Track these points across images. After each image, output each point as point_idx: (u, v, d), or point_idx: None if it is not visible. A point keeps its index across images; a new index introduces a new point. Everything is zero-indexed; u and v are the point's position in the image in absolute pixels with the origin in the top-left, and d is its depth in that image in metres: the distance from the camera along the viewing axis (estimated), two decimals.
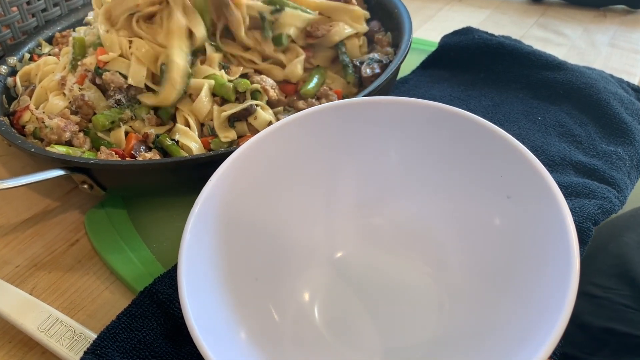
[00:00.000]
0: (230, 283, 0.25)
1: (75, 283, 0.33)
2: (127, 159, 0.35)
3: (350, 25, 0.42)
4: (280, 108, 0.39)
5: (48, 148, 0.35)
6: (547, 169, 0.24)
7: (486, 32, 0.48)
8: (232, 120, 0.37)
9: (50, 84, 0.40)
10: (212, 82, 0.37)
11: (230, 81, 0.38)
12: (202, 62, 0.39)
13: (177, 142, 0.36)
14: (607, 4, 0.61)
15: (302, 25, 0.41)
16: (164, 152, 0.36)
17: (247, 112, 0.36)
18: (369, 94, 0.35)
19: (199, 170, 0.32)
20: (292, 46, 0.41)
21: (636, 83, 0.44)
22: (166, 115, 0.38)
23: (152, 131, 0.36)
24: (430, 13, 0.64)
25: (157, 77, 0.38)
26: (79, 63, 0.39)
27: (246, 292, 0.26)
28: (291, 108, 0.39)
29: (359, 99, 0.29)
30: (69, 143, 0.37)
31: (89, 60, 0.38)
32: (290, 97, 0.40)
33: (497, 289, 0.25)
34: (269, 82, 0.38)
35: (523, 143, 0.25)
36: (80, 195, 0.39)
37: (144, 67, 0.37)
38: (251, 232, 0.28)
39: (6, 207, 0.39)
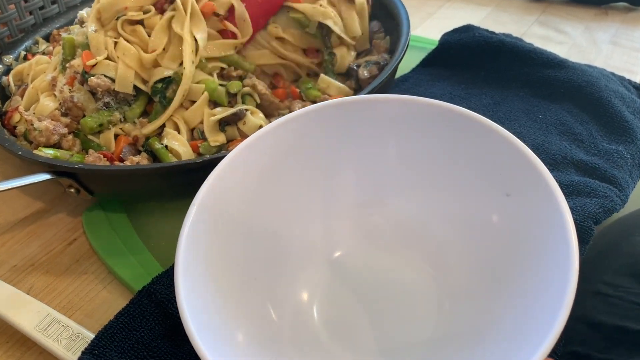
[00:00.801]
0: (228, 282, 0.25)
1: (73, 282, 0.33)
2: (116, 162, 0.35)
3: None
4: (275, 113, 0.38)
5: (35, 151, 0.35)
6: (548, 168, 0.24)
7: (487, 30, 0.47)
8: (223, 124, 0.37)
9: (41, 84, 0.40)
10: (205, 91, 0.36)
11: (222, 85, 0.37)
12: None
13: (167, 146, 0.35)
14: (609, 2, 0.61)
15: None
16: (153, 155, 0.36)
17: (237, 117, 0.36)
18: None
19: (186, 176, 0.32)
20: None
21: (638, 81, 0.44)
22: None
23: (142, 133, 0.36)
24: (431, 10, 0.63)
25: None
26: (67, 65, 0.39)
27: (244, 291, 0.26)
28: (285, 112, 0.39)
29: (358, 96, 0.29)
30: (58, 145, 0.36)
31: (77, 62, 0.38)
32: (282, 102, 0.39)
33: (496, 288, 0.25)
34: (261, 82, 0.38)
35: (523, 141, 0.25)
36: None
37: (132, 71, 0.36)
38: (249, 231, 0.27)
39: (3, 206, 0.39)
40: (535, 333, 0.20)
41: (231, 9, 0.39)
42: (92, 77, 0.36)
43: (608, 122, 0.38)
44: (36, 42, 0.48)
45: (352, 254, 0.29)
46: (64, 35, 0.41)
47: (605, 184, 0.34)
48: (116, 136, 0.37)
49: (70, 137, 0.37)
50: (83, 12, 0.47)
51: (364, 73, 0.39)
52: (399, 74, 0.46)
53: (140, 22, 0.37)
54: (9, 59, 0.45)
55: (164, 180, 0.33)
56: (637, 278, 0.27)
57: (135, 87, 0.37)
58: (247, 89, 0.37)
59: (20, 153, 0.33)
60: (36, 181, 0.32)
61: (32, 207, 0.38)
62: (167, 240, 0.34)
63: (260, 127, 0.35)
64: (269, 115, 0.38)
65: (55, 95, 0.38)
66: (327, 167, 0.29)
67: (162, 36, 0.36)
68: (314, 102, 0.39)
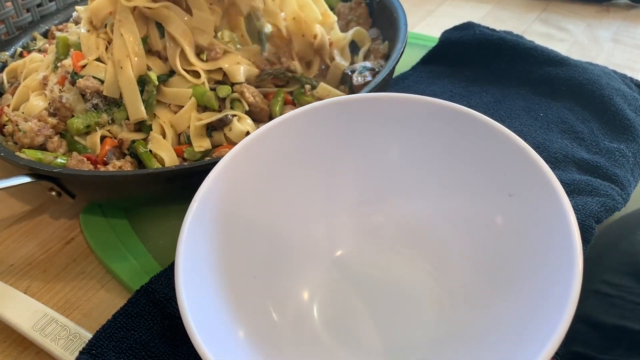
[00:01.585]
0: (229, 281, 0.25)
1: (71, 282, 0.33)
2: (100, 165, 0.35)
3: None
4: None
5: (17, 153, 0.34)
6: (549, 166, 0.24)
7: (487, 28, 0.47)
8: (210, 129, 0.36)
9: (32, 82, 0.39)
10: (192, 95, 0.36)
11: (212, 89, 0.37)
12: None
13: (151, 150, 0.35)
14: None
15: None
16: (138, 159, 0.35)
17: (222, 123, 0.35)
18: None
19: (166, 183, 0.32)
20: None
21: (639, 79, 0.44)
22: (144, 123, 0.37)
23: (128, 137, 0.36)
24: (431, 8, 0.63)
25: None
26: (59, 64, 0.38)
27: (244, 290, 0.26)
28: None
29: (359, 95, 0.29)
30: (43, 147, 0.36)
31: (69, 62, 0.38)
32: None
33: (498, 288, 0.25)
34: (250, 89, 0.37)
35: (525, 140, 0.25)
36: None
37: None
38: (250, 229, 0.27)
39: (0, 205, 0.38)
40: (539, 334, 0.20)
41: None
42: (80, 79, 0.36)
43: (610, 120, 0.38)
44: (34, 39, 0.47)
45: (353, 253, 0.29)
46: (58, 34, 0.40)
47: (607, 182, 0.33)
48: (103, 138, 0.36)
49: (56, 138, 0.36)
50: (81, 8, 0.46)
51: (357, 79, 0.38)
52: (399, 71, 0.46)
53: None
54: (4, 55, 0.45)
55: (144, 187, 0.33)
56: (637, 277, 0.27)
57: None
58: (236, 94, 0.37)
59: (2, 154, 0.33)
60: (15, 184, 0.31)
61: (29, 206, 0.38)
62: (166, 239, 0.34)
63: (248, 133, 0.35)
64: (259, 121, 0.37)
65: (45, 95, 0.38)
66: (328, 165, 0.29)
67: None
68: None
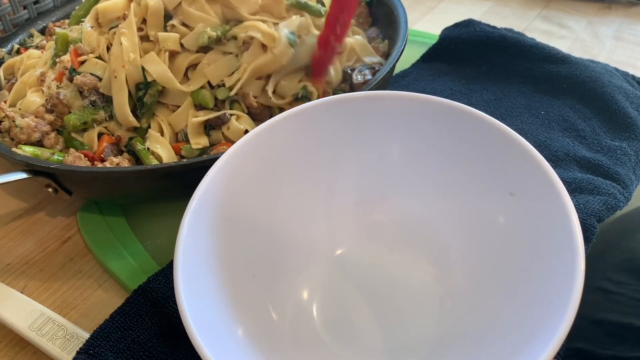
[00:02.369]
0: (228, 280, 0.25)
1: (68, 281, 0.32)
2: (97, 162, 0.34)
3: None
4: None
5: (14, 149, 0.34)
6: (551, 165, 0.24)
7: (488, 25, 0.47)
8: (208, 127, 0.36)
9: (30, 79, 0.39)
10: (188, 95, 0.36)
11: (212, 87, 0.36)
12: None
13: (149, 147, 0.35)
14: None
15: None
16: (136, 156, 0.35)
17: (220, 121, 0.35)
18: None
19: (164, 180, 0.31)
20: None
21: None
22: (144, 119, 0.36)
23: (125, 134, 0.36)
24: (431, 5, 0.63)
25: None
26: (57, 60, 0.38)
27: (244, 289, 0.26)
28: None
29: (359, 93, 0.28)
30: (40, 143, 0.36)
31: (67, 58, 0.37)
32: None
33: (500, 288, 0.25)
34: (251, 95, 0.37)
35: (526, 138, 0.25)
36: None
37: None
38: (249, 228, 0.27)
39: None
40: (541, 334, 0.20)
41: None
42: (77, 76, 0.36)
43: (611, 119, 0.38)
44: (31, 36, 0.47)
45: (354, 252, 0.29)
46: (58, 30, 0.40)
47: (609, 181, 0.33)
48: (101, 135, 0.36)
49: (53, 134, 0.36)
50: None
51: (357, 77, 0.38)
52: (399, 69, 0.46)
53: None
54: (1, 52, 0.45)
55: (142, 183, 0.32)
56: (639, 274, 0.27)
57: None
58: (235, 96, 0.36)
59: None
60: (11, 180, 0.31)
61: (25, 204, 0.38)
62: (164, 238, 0.34)
63: (246, 132, 0.34)
64: (259, 120, 0.37)
65: (43, 91, 0.38)
66: (328, 163, 0.29)
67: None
68: None
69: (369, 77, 0.38)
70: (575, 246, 0.21)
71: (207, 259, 0.25)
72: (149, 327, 0.27)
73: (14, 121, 0.35)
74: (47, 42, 0.45)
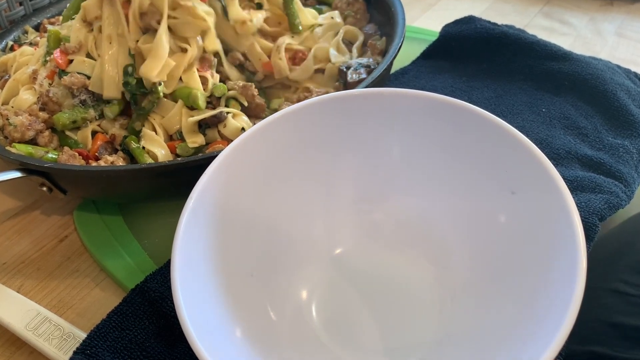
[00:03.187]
0: (226, 280, 0.25)
1: (65, 280, 0.32)
2: (92, 161, 0.34)
3: None
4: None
5: (8, 147, 0.34)
6: (552, 163, 0.24)
7: (489, 21, 0.46)
8: (204, 126, 0.35)
9: (22, 76, 0.39)
10: (179, 98, 0.35)
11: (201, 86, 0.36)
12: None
13: (144, 146, 0.35)
14: None
15: None
16: (130, 155, 0.35)
17: (217, 120, 0.35)
18: None
19: (159, 178, 0.31)
20: None
21: None
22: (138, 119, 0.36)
23: (120, 132, 0.35)
24: (431, 1, 0.62)
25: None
26: (48, 58, 0.38)
27: (242, 289, 0.25)
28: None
29: (358, 90, 0.28)
30: (34, 141, 0.36)
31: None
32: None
33: (501, 287, 0.24)
34: (252, 86, 0.36)
35: (527, 136, 0.25)
36: None
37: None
38: (247, 227, 0.27)
39: None
40: (542, 334, 0.19)
41: None
42: (64, 77, 0.36)
43: (613, 116, 0.38)
44: (25, 32, 0.47)
45: (353, 251, 0.29)
46: (49, 27, 0.40)
47: (611, 179, 0.33)
48: (95, 133, 0.36)
49: (47, 133, 0.36)
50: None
51: (352, 76, 0.38)
52: (399, 66, 0.45)
53: None
54: None
55: (136, 182, 0.32)
56: None
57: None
58: (232, 92, 0.36)
59: None
60: (5, 179, 0.31)
61: (21, 203, 0.38)
62: (161, 237, 0.34)
63: (243, 129, 0.34)
64: (255, 117, 0.36)
65: (35, 89, 0.37)
66: (327, 161, 0.29)
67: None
68: None
69: (364, 75, 0.38)
70: (577, 245, 0.21)
71: (205, 258, 0.24)
72: (146, 326, 0.27)
73: (7, 119, 0.35)
74: (40, 38, 0.45)
